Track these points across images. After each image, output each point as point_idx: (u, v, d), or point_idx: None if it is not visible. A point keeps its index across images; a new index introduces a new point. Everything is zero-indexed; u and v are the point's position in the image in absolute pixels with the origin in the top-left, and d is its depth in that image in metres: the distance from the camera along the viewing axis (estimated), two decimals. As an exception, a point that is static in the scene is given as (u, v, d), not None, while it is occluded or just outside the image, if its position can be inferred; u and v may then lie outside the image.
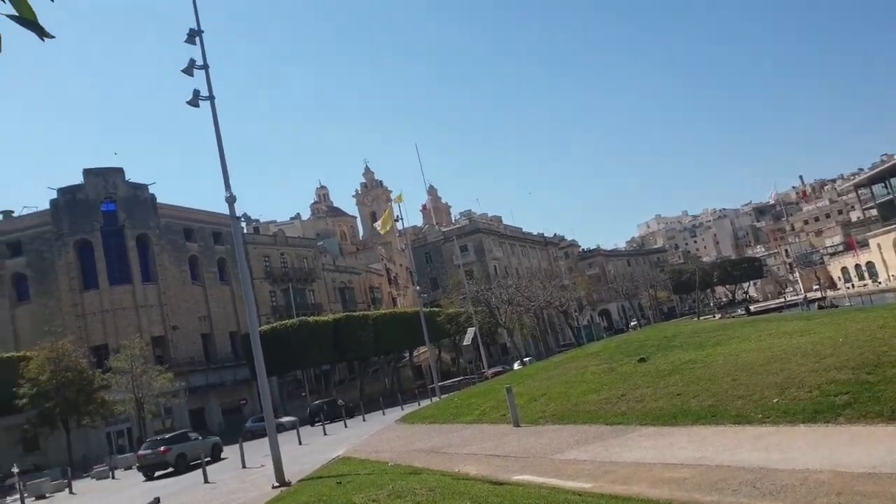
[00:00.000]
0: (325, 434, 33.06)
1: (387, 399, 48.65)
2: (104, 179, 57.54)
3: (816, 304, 69.74)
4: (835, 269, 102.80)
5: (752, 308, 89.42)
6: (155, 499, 19.66)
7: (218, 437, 35.09)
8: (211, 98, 17.81)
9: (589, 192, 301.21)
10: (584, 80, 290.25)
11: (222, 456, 31.53)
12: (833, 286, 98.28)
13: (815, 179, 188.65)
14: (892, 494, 7.31)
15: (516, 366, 54.99)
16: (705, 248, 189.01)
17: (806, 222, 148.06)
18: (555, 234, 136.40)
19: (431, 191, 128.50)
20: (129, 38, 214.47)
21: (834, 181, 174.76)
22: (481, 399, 25.73)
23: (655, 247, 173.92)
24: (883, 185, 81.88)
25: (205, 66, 17.83)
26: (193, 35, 17.95)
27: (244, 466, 24.08)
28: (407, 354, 73.50)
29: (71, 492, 30.29)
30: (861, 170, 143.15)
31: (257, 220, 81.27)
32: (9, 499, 30.54)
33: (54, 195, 56.32)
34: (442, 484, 11.86)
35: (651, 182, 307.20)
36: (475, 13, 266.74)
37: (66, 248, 55.19)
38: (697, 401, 14.68)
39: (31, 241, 55.70)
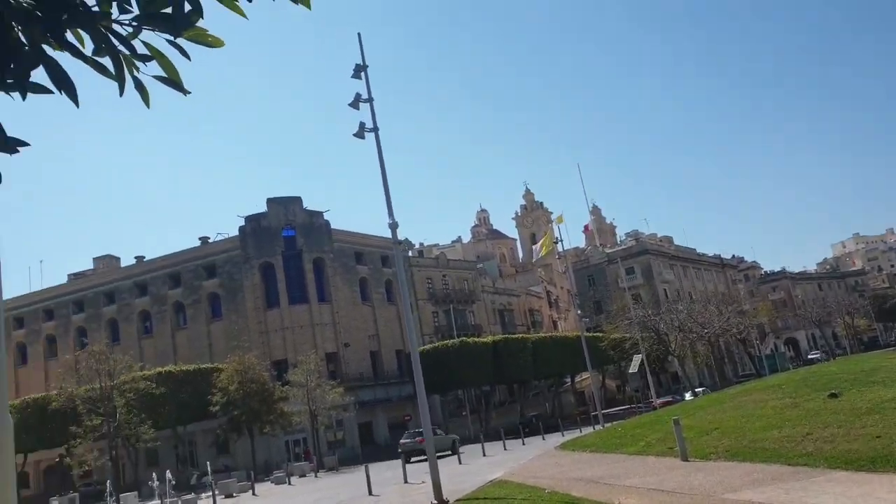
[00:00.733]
0: (483, 455, 33.07)
1: (547, 424, 47.80)
2: (285, 208, 62.53)
3: None
4: None
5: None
6: (323, 508, 20.66)
7: (456, 436, 41.98)
8: (375, 129, 18.69)
9: (773, 210, 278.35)
10: (767, 84, 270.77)
11: (459, 451, 35.51)
12: None
13: None
14: None
15: (688, 396, 51.85)
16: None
17: None
18: (733, 256, 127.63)
19: (595, 211, 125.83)
20: (303, 75, 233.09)
21: None
22: (647, 430, 24.44)
23: (853, 269, 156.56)
24: None
25: (370, 100, 18.78)
26: (359, 70, 18.98)
27: (406, 482, 24.65)
28: (568, 379, 71.99)
29: (254, 493, 32.73)
30: None
31: (421, 244, 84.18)
32: (203, 495, 33.56)
33: (242, 223, 62.10)
34: (600, 516, 11.28)
35: (849, 196, 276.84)
36: (639, 24, 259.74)
37: (252, 271, 60.48)
38: (901, 444, 12.83)
39: (224, 264, 61.71)
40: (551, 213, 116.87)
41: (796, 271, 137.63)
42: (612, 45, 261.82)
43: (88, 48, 1.94)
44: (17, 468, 7.78)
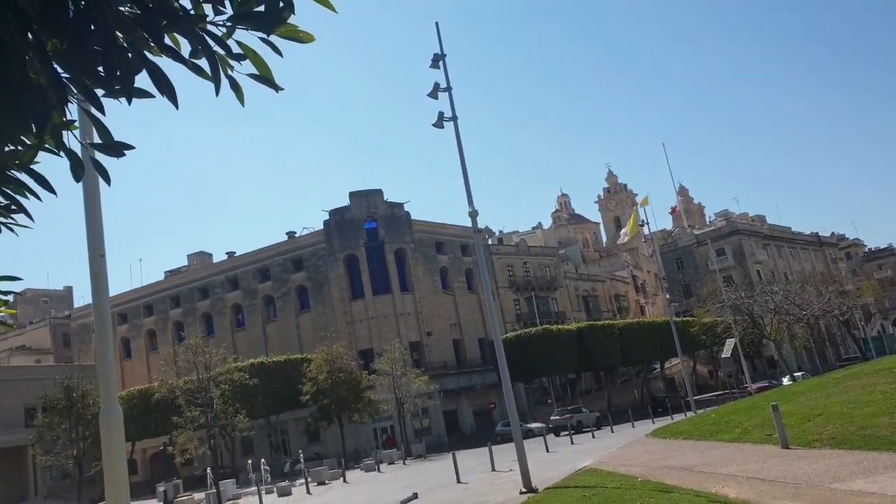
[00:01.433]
0: (571, 443, 32.77)
1: (636, 411, 46.86)
2: (367, 200, 63.69)
3: None
4: None
5: None
6: (413, 494, 21.01)
7: (598, 413, 45.37)
8: (454, 118, 18.69)
9: (876, 183, 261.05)
10: (862, 55, 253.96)
11: (603, 427, 38.25)
12: None
13: None
14: None
15: (785, 381, 49.64)
16: None
17: None
18: (832, 233, 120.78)
19: (682, 191, 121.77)
20: (380, 66, 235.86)
21: None
22: (743, 416, 23.53)
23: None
24: None
25: (448, 89, 18.78)
26: (437, 60, 19.01)
27: (493, 469, 24.73)
28: (657, 365, 70.29)
29: (345, 480, 33.66)
30: None
31: (500, 232, 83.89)
32: (297, 482, 34.81)
33: (327, 216, 63.72)
34: (697, 505, 10.95)
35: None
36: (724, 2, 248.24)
37: (336, 263, 61.99)
38: None
39: (310, 257, 63.54)
40: (636, 194, 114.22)
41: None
42: (694, 26, 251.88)
43: (185, 51, 2.00)
44: (126, 455, 8.27)
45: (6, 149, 2.04)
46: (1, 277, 2.90)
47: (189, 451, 41.13)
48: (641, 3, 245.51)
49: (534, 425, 46.21)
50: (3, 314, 3.04)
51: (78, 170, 2.02)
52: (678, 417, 36.97)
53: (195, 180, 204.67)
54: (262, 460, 40.86)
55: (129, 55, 1.81)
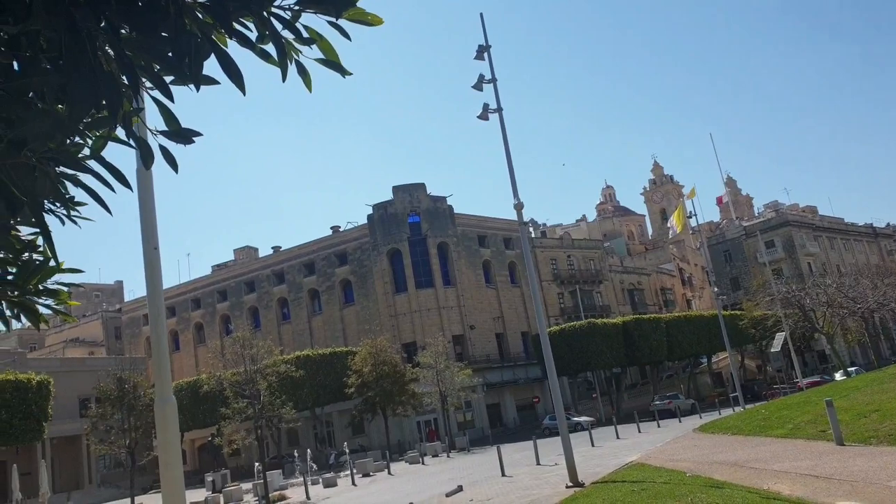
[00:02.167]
0: (617, 437, 32.43)
1: (682, 406, 46.11)
2: (410, 194, 63.95)
3: None
4: None
5: None
6: (458, 486, 21.08)
7: (694, 400, 48.39)
8: (499, 110, 18.57)
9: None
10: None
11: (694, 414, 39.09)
12: None
13: None
14: None
15: (838, 376, 48.20)
16: None
17: None
18: (888, 224, 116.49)
19: (730, 182, 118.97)
20: (424, 59, 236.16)
21: None
22: (794, 412, 22.95)
23: None
24: None
25: (493, 80, 18.66)
26: (482, 51, 18.90)
27: (538, 463, 24.63)
28: (704, 360, 69.06)
29: (389, 472, 33.96)
30: None
31: (544, 224, 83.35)
32: (342, 474, 35.27)
33: (370, 211, 64.15)
34: (749, 501, 10.72)
35: None
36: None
37: (380, 257, 62.45)
38: None
39: (354, 251, 64.16)
40: (682, 186, 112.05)
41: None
42: (742, 12, 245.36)
43: (251, 37, 2.01)
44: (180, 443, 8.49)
45: (68, 140, 2.08)
46: (65, 269, 2.98)
47: (236, 441, 41.97)
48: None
49: (581, 419, 45.97)
50: (67, 306, 3.11)
51: (147, 158, 2.05)
52: (726, 412, 36.27)
53: (241, 176, 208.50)
54: (308, 451, 41.49)
55: (199, 41, 1.83)
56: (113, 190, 2.04)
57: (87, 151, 2.08)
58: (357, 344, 51.50)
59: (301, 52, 2.11)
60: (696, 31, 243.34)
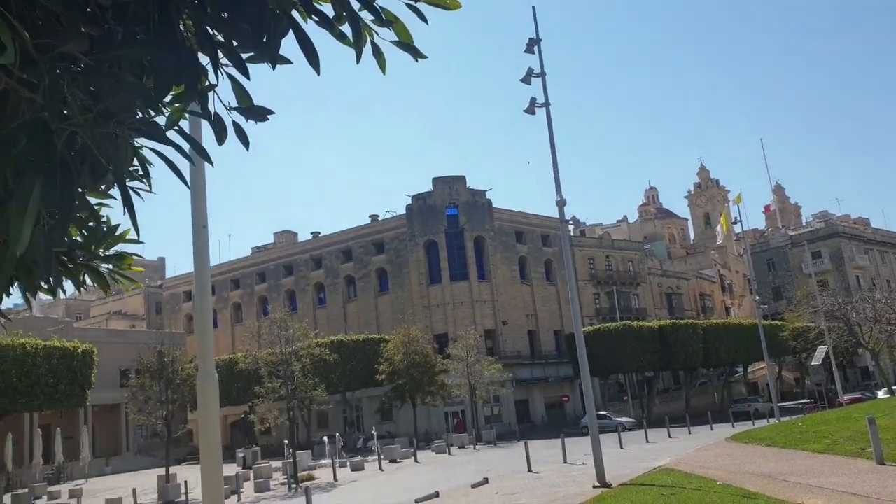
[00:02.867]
0: (647, 441, 32.10)
1: (715, 414, 45.40)
2: (449, 187, 63.99)
3: None
4: None
5: None
6: (484, 478, 21.14)
7: (772, 404, 44.76)
8: (546, 105, 18.44)
9: None
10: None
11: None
12: None
13: None
14: None
15: (881, 394, 46.99)
16: None
17: None
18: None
19: (778, 189, 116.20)
20: (470, 53, 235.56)
21: None
22: (833, 427, 22.42)
23: None
24: None
25: (542, 74, 18.51)
26: (532, 45, 18.74)
27: (565, 461, 24.55)
28: (740, 369, 67.83)
29: (416, 460, 34.23)
30: None
31: (583, 223, 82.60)
32: (369, 458, 35.65)
33: (409, 201, 64.39)
34: (782, 514, 10.52)
35: None
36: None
37: (416, 248, 62.70)
38: None
39: (391, 241, 64.55)
40: (728, 191, 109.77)
41: None
42: (794, 18, 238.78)
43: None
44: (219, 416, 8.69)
45: (138, 115, 2.14)
46: (129, 240, 3.08)
47: (268, 420, 42.71)
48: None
49: (623, 419, 45.84)
50: (132, 272, 3.22)
51: (221, 133, 2.11)
52: (720, 429, 35.62)
53: (284, 160, 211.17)
54: (337, 434, 42.00)
55: (279, 17, 1.88)
56: (192, 162, 2.11)
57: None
58: (390, 332, 51.89)
59: (377, 33, 2.14)
60: (749, 32, 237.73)
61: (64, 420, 48.25)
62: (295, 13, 2.00)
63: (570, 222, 69.97)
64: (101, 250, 2.88)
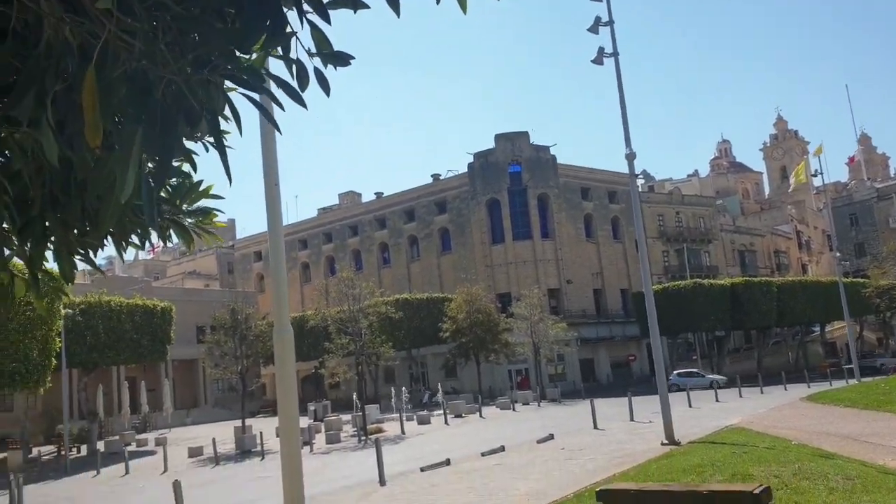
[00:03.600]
0: (717, 400, 31.59)
1: (789, 374, 44.14)
2: (512, 143, 63.20)
3: None
4: None
5: None
6: (549, 434, 21.30)
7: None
8: (615, 54, 17.83)
9: None
10: None
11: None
12: None
13: None
14: None
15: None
16: None
17: None
18: None
19: (864, 139, 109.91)
20: (532, 4, 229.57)
21: None
22: (919, 388, 21.51)
23: None
24: None
25: (610, 23, 17.85)
26: (597, -9, 18.09)
27: (632, 419, 24.45)
28: (817, 328, 65.54)
29: (481, 416, 34.76)
30: None
31: (653, 178, 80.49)
32: (435, 412, 36.41)
33: (471, 159, 63.97)
34: (863, 474, 10.22)
35: None
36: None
37: (478, 207, 62.51)
38: None
39: (453, 200, 64.53)
40: (807, 143, 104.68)
41: None
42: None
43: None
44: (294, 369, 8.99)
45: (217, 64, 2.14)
46: (212, 195, 3.15)
47: (338, 375, 44.03)
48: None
49: (716, 377, 45.25)
50: (215, 227, 3.30)
51: (304, 79, 2.12)
52: (794, 389, 34.41)
53: (348, 121, 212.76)
54: (404, 389, 42.98)
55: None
56: (283, 108, 2.13)
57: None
58: (452, 291, 52.26)
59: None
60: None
61: (147, 373, 51.07)
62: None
63: (640, 177, 68.31)
64: (186, 205, 2.97)
